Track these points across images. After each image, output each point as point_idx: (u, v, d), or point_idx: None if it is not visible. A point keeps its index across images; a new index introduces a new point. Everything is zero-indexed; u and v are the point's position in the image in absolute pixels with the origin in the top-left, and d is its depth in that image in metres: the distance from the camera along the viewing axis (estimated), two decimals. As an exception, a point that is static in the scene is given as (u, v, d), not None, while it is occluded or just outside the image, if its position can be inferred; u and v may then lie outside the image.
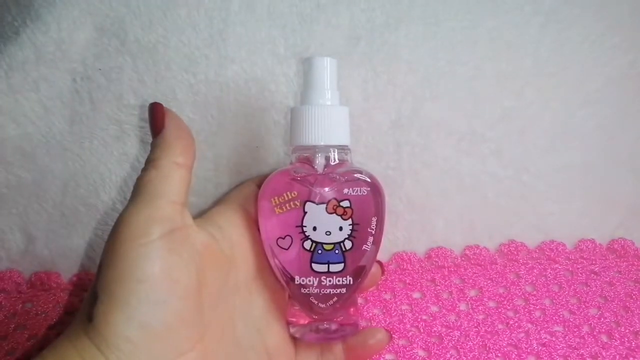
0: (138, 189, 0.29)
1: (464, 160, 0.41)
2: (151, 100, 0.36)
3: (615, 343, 0.38)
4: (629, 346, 0.38)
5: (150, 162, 0.30)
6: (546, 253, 0.43)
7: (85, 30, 0.36)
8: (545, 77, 0.41)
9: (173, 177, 0.29)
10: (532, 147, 0.41)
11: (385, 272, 0.41)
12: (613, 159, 0.43)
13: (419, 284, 0.42)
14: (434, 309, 0.40)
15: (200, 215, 0.39)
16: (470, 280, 0.42)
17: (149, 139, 0.37)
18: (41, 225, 0.38)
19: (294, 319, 0.34)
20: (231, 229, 0.32)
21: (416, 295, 0.41)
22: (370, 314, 0.40)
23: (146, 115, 0.36)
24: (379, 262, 0.37)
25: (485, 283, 0.42)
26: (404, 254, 0.42)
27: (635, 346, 0.38)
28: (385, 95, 0.39)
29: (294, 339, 0.35)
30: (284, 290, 0.35)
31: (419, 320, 0.39)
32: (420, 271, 0.42)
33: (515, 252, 0.43)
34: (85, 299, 0.27)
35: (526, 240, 0.43)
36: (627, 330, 0.39)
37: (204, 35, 0.36)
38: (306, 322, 0.33)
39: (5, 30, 0.36)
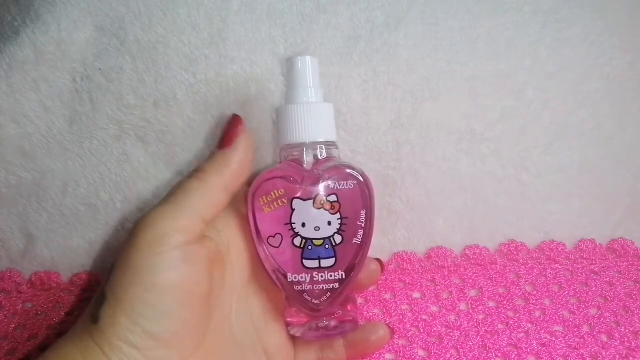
0: (174, 193, 0.29)
1: (463, 160, 0.41)
2: (151, 100, 0.36)
3: (615, 343, 0.38)
4: (629, 346, 0.38)
5: (198, 172, 0.29)
6: (546, 253, 0.43)
7: (85, 30, 0.36)
8: (545, 76, 0.41)
9: (212, 198, 0.29)
10: (531, 147, 0.41)
11: (385, 271, 0.41)
12: (613, 158, 0.43)
13: (419, 284, 0.42)
14: (434, 309, 0.40)
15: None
16: (470, 280, 0.42)
17: (149, 138, 0.37)
18: (41, 225, 0.38)
19: (292, 320, 0.34)
20: (228, 231, 0.32)
21: (416, 295, 0.41)
22: (371, 314, 0.40)
23: (147, 114, 0.36)
24: (379, 260, 0.37)
25: (485, 283, 0.42)
26: (404, 254, 0.42)
27: (636, 346, 0.38)
28: (385, 95, 0.39)
29: (294, 339, 0.35)
30: (281, 290, 0.35)
31: (419, 320, 0.39)
32: (421, 271, 0.42)
33: (515, 252, 0.43)
34: (92, 300, 0.28)
35: (526, 240, 0.43)
36: (627, 331, 0.39)
37: (204, 35, 0.36)
38: (305, 321, 0.33)
39: (5, 30, 0.36)
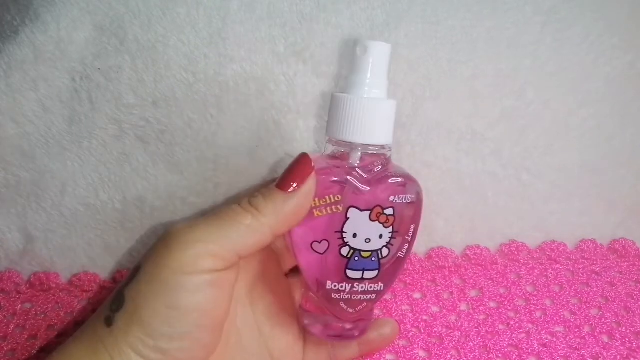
0: (225, 218, 0.28)
1: (464, 160, 0.41)
2: (151, 99, 0.36)
3: (616, 343, 0.38)
4: (630, 347, 0.38)
5: (255, 206, 0.28)
6: (547, 253, 0.43)
7: (84, 29, 0.36)
8: (545, 76, 0.41)
9: (257, 238, 0.28)
10: (532, 147, 0.41)
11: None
12: (613, 158, 0.43)
13: (419, 284, 0.42)
14: (435, 309, 0.40)
15: (200, 215, 0.39)
16: (471, 281, 0.42)
17: (149, 138, 0.37)
18: (40, 225, 0.38)
19: (309, 307, 0.33)
20: None
21: (417, 295, 0.41)
22: (371, 315, 0.40)
23: (146, 114, 0.36)
24: None
25: (486, 283, 0.42)
26: (404, 254, 0.42)
27: (637, 347, 0.37)
28: (385, 95, 0.39)
29: (304, 339, 0.35)
30: (286, 292, 0.35)
31: (420, 320, 0.39)
32: (421, 271, 0.42)
33: (516, 252, 0.43)
34: (107, 300, 0.27)
35: (527, 241, 0.43)
36: (628, 331, 0.39)
37: (204, 35, 0.36)
38: (320, 312, 0.33)
39: (5, 29, 0.36)
